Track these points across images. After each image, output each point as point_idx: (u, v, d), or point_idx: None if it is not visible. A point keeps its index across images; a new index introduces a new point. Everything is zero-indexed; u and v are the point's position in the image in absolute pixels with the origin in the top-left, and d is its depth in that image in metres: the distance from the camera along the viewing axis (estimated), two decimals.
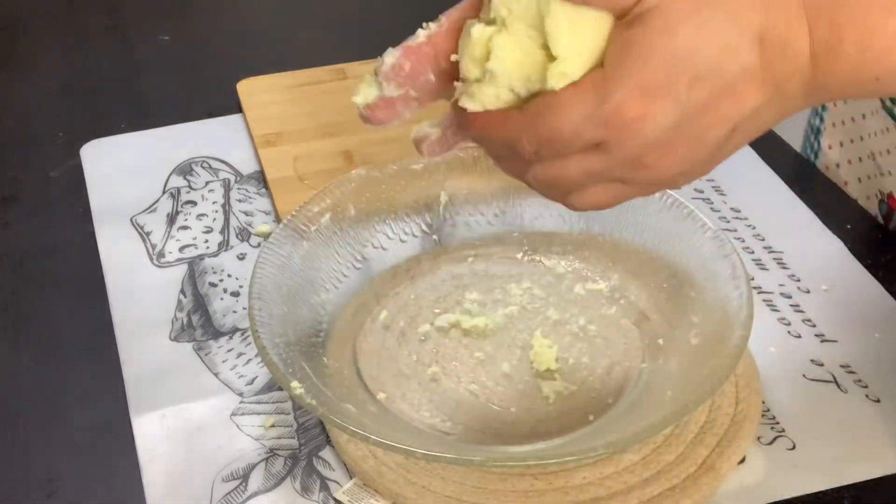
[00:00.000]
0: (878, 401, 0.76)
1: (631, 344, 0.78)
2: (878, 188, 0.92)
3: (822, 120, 0.99)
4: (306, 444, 0.74)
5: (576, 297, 0.82)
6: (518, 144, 0.54)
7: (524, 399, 0.74)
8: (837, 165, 0.98)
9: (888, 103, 0.89)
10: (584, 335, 0.79)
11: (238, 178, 0.99)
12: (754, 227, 0.91)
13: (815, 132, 1.01)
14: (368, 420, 0.70)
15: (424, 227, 0.84)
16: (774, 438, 0.73)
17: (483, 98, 0.55)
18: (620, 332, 0.79)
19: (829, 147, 0.98)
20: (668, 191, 0.79)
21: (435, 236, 0.85)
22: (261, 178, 0.99)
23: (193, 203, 0.97)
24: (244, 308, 0.84)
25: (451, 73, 0.57)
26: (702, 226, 0.77)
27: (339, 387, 0.73)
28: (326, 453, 0.73)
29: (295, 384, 0.67)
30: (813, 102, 0.56)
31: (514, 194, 0.85)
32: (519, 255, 0.85)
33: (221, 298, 0.86)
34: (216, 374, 0.79)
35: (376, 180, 0.83)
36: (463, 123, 0.57)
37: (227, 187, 0.98)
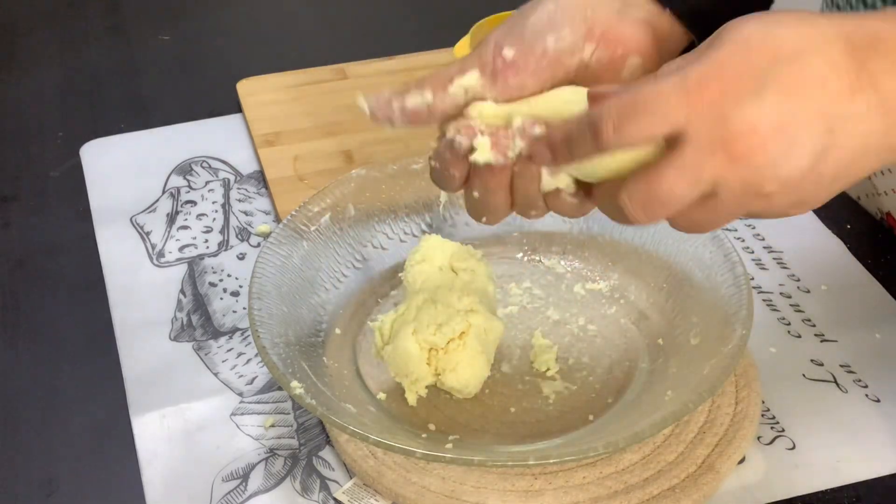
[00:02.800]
0: (878, 401, 0.76)
1: (631, 344, 0.78)
2: (877, 207, 0.92)
3: None
4: (306, 444, 0.74)
5: (576, 296, 0.82)
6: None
7: (524, 399, 0.74)
8: None
9: None
10: (584, 335, 0.79)
11: (238, 178, 0.99)
12: (754, 227, 0.91)
13: None
14: (368, 420, 0.70)
15: (424, 227, 0.84)
16: (774, 438, 0.73)
17: None
18: (620, 332, 0.79)
19: None
20: None
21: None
22: (261, 178, 0.99)
23: (193, 203, 0.97)
24: (244, 308, 0.84)
25: None
26: None
27: (339, 387, 0.73)
28: (326, 453, 0.73)
29: (295, 384, 0.67)
30: None
31: None
32: (519, 255, 0.85)
33: (221, 298, 0.86)
34: (216, 374, 0.79)
35: (376, 180, 0.83)
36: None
37: (226, 187, 0.98)
